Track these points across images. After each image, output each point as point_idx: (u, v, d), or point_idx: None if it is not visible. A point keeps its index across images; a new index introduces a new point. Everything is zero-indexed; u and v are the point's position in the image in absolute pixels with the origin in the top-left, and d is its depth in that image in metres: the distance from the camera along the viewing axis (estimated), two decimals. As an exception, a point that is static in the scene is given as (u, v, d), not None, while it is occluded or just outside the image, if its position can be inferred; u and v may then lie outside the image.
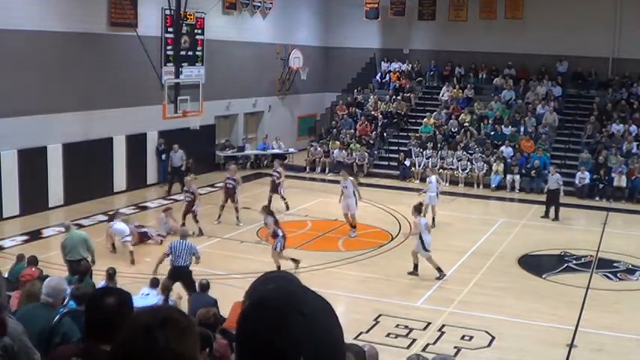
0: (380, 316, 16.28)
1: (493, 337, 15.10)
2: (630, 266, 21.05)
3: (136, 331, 2.31)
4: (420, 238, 18.92)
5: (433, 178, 25.25)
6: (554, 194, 26.53)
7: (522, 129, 34.67)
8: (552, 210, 26.60)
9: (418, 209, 19.46)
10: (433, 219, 24.51)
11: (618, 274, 20.41)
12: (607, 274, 20.37)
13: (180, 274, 16.02)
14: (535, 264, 21.02)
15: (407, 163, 33.64)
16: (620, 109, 35.05)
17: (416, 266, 19.23)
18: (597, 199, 30.35)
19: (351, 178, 23.58)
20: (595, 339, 15.45)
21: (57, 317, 6.50)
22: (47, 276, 13.85)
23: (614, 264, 21.16)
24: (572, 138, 34.26)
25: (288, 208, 26.37)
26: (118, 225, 20.52)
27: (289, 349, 1.93)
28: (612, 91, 36.33)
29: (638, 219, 27.45)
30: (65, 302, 10.08)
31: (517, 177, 31.58)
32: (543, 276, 19.89)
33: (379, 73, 41.67)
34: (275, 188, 26.19)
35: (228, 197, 24.28)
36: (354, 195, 23.16)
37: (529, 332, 15.69)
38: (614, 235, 24.61)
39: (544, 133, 34.04)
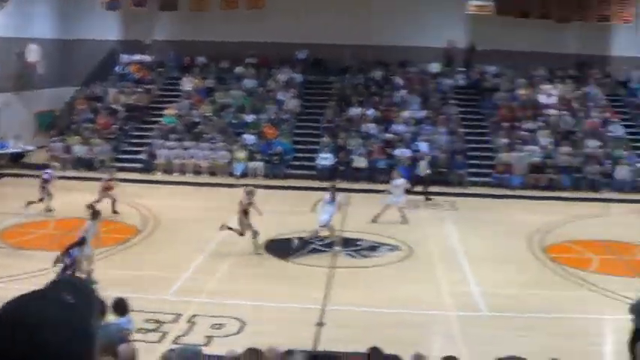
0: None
1: (244, 323, 15.18)
2: (373, 244, 21.90)
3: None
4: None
5: (399, 181, 25.37)
6: (424, 179, 28.05)
7: (264, 116, 35.16)
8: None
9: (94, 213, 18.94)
10: (404, 216, 24.91)
11: (361, 252, 21.19)
12: (350, 252, 21.09)
13: None
14: (281, 248, 21.33)
15: (151, 155, 33.12)
16: (359, 93, 36.41)
17: None
18: (339, 180, 31.30)
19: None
20: (342, 315, 15.92)
21: None
22: None
23: (357, 242, 21.96)
24: (314, 123, 35.14)
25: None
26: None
27: None
28: (350, 76, 37.65)
29: (377, 197, 28.57)
30: None
31: (260, 164, 32.01)
32: (289, 259, 20.26)
33: (120, 66, 40.77)
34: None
35: None
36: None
37: (279, 315, 15.90)
38: (355, 215, 25.46)
39: (286, 119, 34.70)
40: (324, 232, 21.95)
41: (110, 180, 25.52)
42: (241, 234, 20.92)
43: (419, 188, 28.81)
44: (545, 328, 15.79)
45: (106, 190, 24.93)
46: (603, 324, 16.97)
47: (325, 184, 30.32)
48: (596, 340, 15.82)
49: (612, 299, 17.86)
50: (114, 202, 24.92)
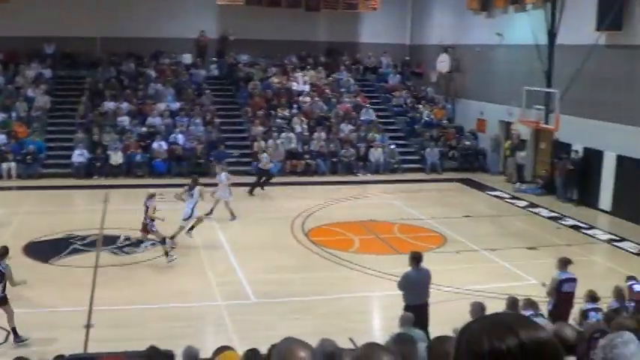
0: None
1: (9, 332, 14.45)
2: (135, 240, 21.53)
3: None
4: None
5: (223, 175, 24.45)
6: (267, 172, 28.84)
7: (14, 114, 33.59)
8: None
9: None
10: (232, 213, 24.40)
11: (124, 249, 20.79)
12: (113, 250, 20.64)
13: None
14: (41, 250, 20.50)
15: None
16: (111, 87, 35.64)
17: None
18: (96, 177, 30.59)
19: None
20: (111, 315, 15.53)
21: None
22: None
23: (119, 239, 21.49)
24: (67, 119, 33.96)
25: None
26: None
27: None
28: (102, 70, 36.77)
29: (136, 192, 28.10)
30: None
31: (13, 164, 30.61)
32: (50, 261, 19.51)
33: None
34: None
35: None
36: None
37: (46, 319, 15.23)
38: (115, 212, 24.97)
39: (37, 116, 33.39)
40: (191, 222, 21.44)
41: None
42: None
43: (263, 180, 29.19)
44: (314, 310, 16.20)
45: None
46: (369, 301, 17.63)
47: (81, 182, 29.68)
48: (363, 317, 16.40)
49: (375, 277, 18.59)
50: None
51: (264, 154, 29.66)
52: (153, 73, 37.35)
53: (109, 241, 21.35)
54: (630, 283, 13.67)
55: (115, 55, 37.69)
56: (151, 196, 20.08)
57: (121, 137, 32.38)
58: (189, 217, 21.34)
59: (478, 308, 11.50)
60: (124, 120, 33.56)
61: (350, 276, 19.02)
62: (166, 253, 19.52)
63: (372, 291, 17.96)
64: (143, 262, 19.77)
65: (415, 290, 13.63)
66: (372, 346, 3.76)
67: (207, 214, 24.09)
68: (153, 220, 19.76)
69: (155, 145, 32.12)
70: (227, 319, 15.79)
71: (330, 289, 17.72)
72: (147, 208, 19.83)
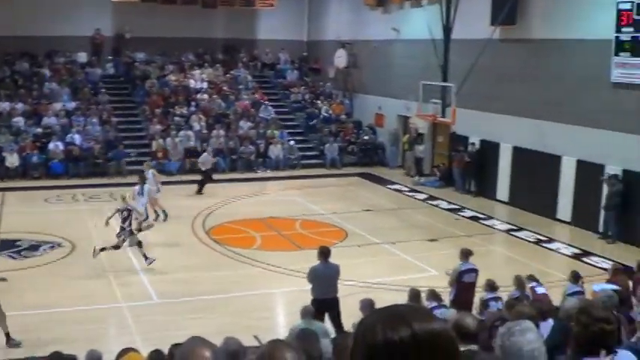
0: None
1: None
2: (33, 243, 21.06)
3: None
4: None
5: (150, 172, 23.86)
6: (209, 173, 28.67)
7: None
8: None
9: None
10: (157, 212, 24.01)
11: (22, 253, 20.30)
12: (10, 254, 20.12)
13: None
14: None
15: None
16: (5, 87, 34.79)
17: None
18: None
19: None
20: (11, 321, 15.07)
21: None
22: None
23: (17, 243, 20.97)
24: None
25: None
26: None
27: None
28: (-3, 69, 35.91)
29: (32, 195, 27.59)
30: None
31: None
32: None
33: None
34: None
35: None
36: None
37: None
38: (12, 215, 24.38)
39: None
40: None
41: None
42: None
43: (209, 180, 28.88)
44: (218, 309, 16.15)
45: None
46: (272, 298, 17.65)
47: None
48: (268, 314, 16.42)
49: (278, 273, 18.62)
50: None
51: (205, 153, 29.40)
52: (48, 73, 36.57)
53: (6, 245, 20.78)
54: (532, 284, 13.80)
55: (8, 54, 36.74)
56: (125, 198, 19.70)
57: (17, 138, 31.60)
58: (146, 217, 21.07)
59: (368, 304, 11.59)
60: (19, 121, 32.74)
61: (253, 273, 19.02)
62: (94, 252, 19.01)
63: (276, 288, 18.01)
64: (42, 265, 19.33)
65: (322, 284, 13.73)
66: (276, 344, 3.76)
67: (160, 219, 23.97)
68: (127, 228, 19.26)
69: (51, 145, 31.43)
70: (130, 320, 15.60)
71: (234, 287, 17.65)
72: (129, 212, 19.22)
